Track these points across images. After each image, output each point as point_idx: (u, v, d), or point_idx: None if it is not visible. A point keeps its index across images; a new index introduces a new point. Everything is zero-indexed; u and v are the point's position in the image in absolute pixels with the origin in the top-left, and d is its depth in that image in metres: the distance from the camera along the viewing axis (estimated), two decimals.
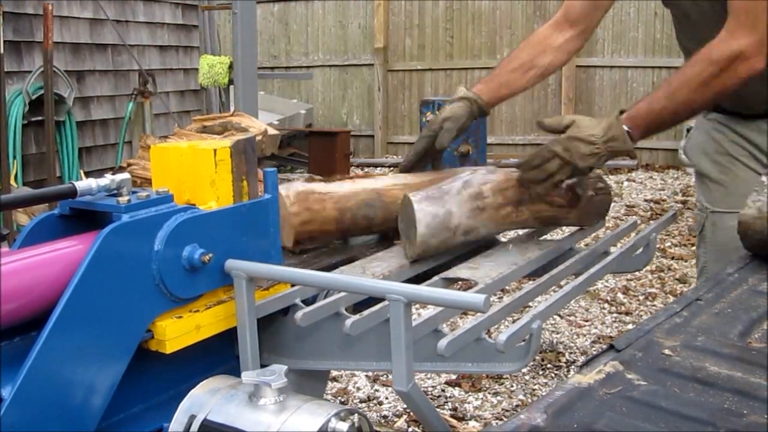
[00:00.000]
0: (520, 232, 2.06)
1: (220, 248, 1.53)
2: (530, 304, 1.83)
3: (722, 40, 1.68)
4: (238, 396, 1.38)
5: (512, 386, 3.40)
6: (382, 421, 3.12)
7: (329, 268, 1.85)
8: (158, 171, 1.65)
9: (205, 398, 1.39)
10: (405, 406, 3.10)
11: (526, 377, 3.49)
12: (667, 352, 1.50)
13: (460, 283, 1.79)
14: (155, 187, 1.58)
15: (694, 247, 5.52)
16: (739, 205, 1.67)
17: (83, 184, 1.45)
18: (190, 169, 1.60)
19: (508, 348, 1.40)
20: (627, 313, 4.25)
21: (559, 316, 4.16)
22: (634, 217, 2.28)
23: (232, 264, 1.53)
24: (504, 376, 3.46)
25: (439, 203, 1.75)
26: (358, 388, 3.41)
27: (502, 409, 3.20)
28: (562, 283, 1.84)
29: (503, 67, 1.97)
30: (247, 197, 1.65)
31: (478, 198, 1.79)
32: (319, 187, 1.89)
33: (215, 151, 1.58)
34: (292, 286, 1.66)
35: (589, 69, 9.04)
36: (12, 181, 5.22)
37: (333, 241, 1.99)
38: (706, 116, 2.11)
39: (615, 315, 4.22)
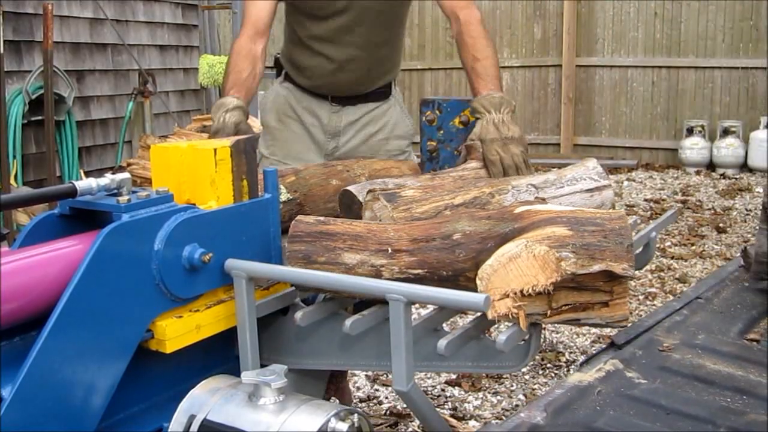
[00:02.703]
0: None
1: (220, 248, 1.53)
2: None
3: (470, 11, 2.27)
4: (237, 396, 1.38)
5: (512, 386, 3.40)
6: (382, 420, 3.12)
7: None
8: (158, 171, 1.65)
9: (205, 398, 1.40)
10: (405, 405, 3.10)
11: (526, 377, 3.49)
12: (666, 350, 1.50)
13: None
14: (155, 187, 1.58)
15: (694, 247, 5.52)
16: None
17: (83, 183, 1.45)
18: (190, 169, 1.60)
19: (508, 347, 1.40)
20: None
21: None
22: (634, 216, 2.28)
23: (232, 264, 1.53)
24: (504, 376, 3.46)
25: None
26: (358, 388, 3.40)
27: (502, 409, 3.20)
28: None
29: (238, 76, 2.23)
30: (247, 197, 1.65)
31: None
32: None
33: (215, 150, 1.58)
34: (292, 285, 1.66)
35: (589, 69, 9.04)
36: (12, 181, 5.22)
37: None
38: (282, 83, 2.60)
39: None
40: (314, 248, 1.51)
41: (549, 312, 1.40)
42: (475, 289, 1.44)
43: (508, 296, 1.34)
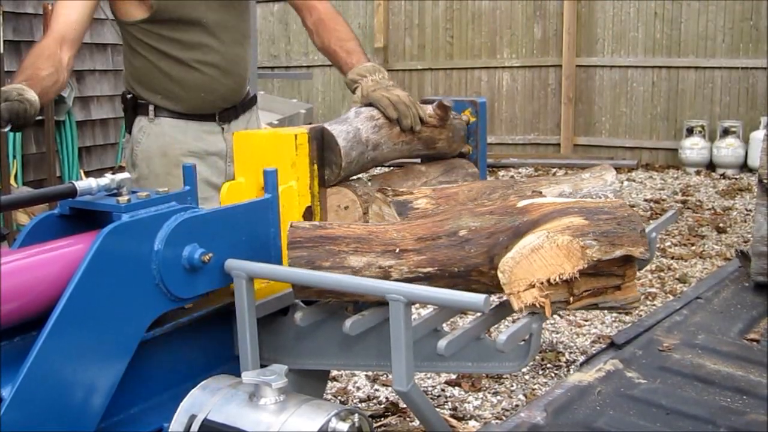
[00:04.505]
0: None
1: (220, 248, 1.53)
2: None
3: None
4: (238, 396, 1.38)
5: (512, 386, 3.40)
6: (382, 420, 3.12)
7: None
8: (240, 155, 1.81)
9: (206, 398, 1.39)
10: (404, 405, 3.10)
11: (526, 377, 3.49)
12: (666, 350, 1.50)
13: None
14: (237, 172, 1.77)
15: (694, 247, 5.52)
16: None
17: (83, 183, 1.45)
18: (271, 153, 1.77)
19: (508, 348, 1.40)
20: (627, 313, 4.24)
21: (559, 315, 4.16)
22: None
23: (232, 264, 1.53)
24: (504, 376, 3.46)
25: (345, 123, 1.91)
26: (358, 388, 3.40)
27: (502, 409, 3.20)
28: None
29: (35, 72, 1.92)
30: (317, 179, 1.77)
31: (373, 119, 1.97)
32: None
33: (296, 136, 1.75)
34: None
35: (589, 69, 9.03)
36: (12, 181, 5.22)
37: None
38: (153, 121, 2.29)
39: (615, 315, 4.22)
40: (317, 253, 1.50)
41: (571, 299, 1.45)
42: (487, 283, 1.48)
43: (533, 286, 1.38)
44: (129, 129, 2.35)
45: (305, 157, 1.77)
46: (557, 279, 1.38)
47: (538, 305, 1.39)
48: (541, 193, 1.73)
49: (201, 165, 2.24)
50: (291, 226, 1.54)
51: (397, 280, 1.49)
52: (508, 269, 1.38)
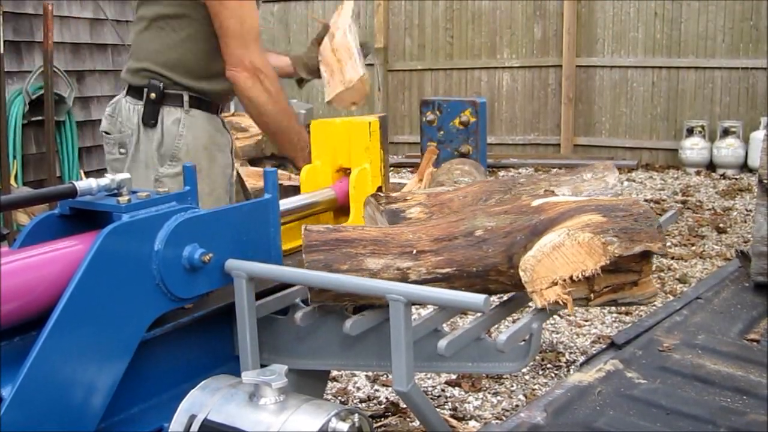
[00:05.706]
0: None
1: (220, 248, 1.53)
2: (530, 303, 1.83)
3: None
4: (238, 396, 1.38)
5: (512, 386, 3.40)
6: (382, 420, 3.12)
7: None
8: (317, 141, 2.08)
9: (205, 398, 1.39)
10: (405, 405, 3.09)
11: (526, 377, 3.49)
12: (666, 350, 1.50)
13: None
14: (314, 156, 2.01)
15: (694, 247, 5.52)
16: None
17: (83, 183, 1.45)
18: (347, 139, 2.03)
19: (508, 348, 1.40)
20: (627, 314, 4.24)
21: (559, 315, 4.16)
22: None
23: (232, 264, 1.53)
24: (504, 376, 3.46)
25: None
26: (358, 388, 3.40)
27: (502, 409, 3.20)
28: None
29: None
30: (383, 163, 2.03)
31: None
32: None
33: (369, 123, 2.01)
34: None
35: (589, 69, 9.03)
36: (12, 181, 5.22)
37: None
38: (188, 112, 2.24)
39: (615, 315, 4.22)
40: (334, 256, 1.50)
41: (592, 296, 1.46)
42: (505, 282, 1.50)
43: (556, 284, 1.40)
44: (148, 119, 2.22)
45: (377, 142, 2.01)
46: (580, 276, 1.40)
47: (561, 302, 1.40)
48: (553, 192, 1.74)
49: (222, 158, 2.29)
50: (305, 229, 1.54)
51: (415, 281, 1.49)
52: (530, 267, 1.39)
